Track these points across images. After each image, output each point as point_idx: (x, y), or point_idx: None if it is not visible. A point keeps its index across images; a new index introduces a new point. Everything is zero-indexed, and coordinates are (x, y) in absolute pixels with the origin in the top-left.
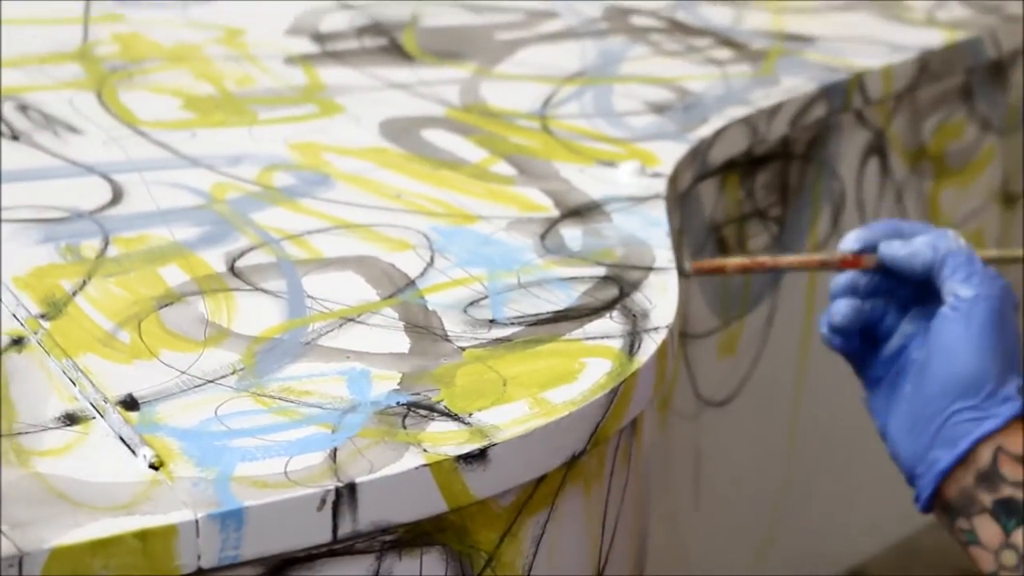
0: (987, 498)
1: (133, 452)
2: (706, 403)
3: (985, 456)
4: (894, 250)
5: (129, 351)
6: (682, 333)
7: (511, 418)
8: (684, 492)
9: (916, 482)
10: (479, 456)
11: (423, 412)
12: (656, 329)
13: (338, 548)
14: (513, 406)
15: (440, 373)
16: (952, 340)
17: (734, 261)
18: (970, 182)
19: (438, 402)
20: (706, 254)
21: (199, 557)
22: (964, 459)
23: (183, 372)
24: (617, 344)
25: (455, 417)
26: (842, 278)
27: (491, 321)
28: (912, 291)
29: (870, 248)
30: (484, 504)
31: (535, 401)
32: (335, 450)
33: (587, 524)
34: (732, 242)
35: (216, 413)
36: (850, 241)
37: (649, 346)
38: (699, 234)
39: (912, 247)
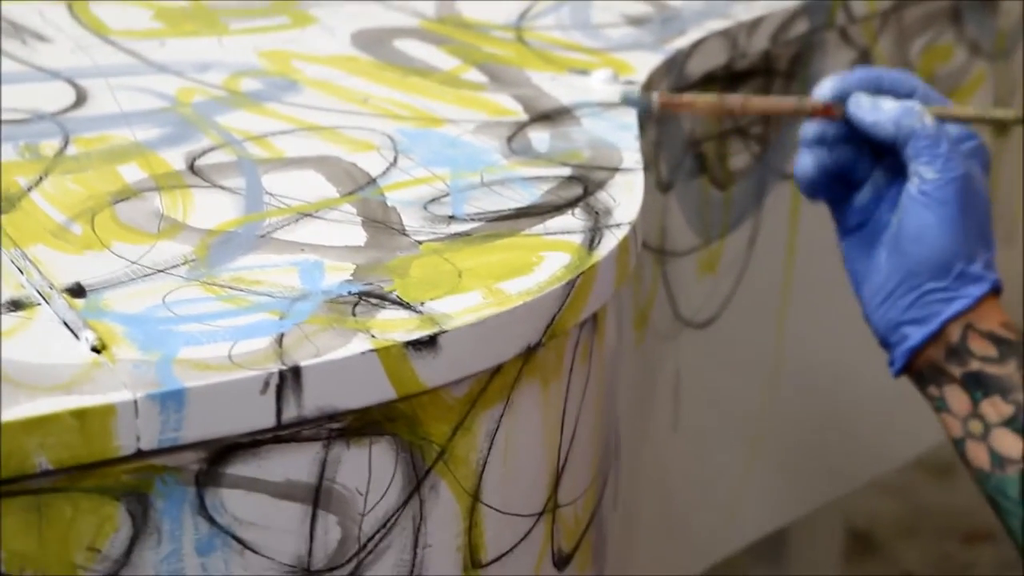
0: (956, 371)
1: (76, 336)
2: (686, 324)
3: (955, 333)
4: (861, 113)
5: (80, 242)
6: (660, 250)
7: (464, 307)
8: (663, 412)
9: (889, 350)
10: (429, 343)
11: (374, 301)
12: (618, 225)
13: (283, 434)
14: (467, 296)
15: (394, 265)
16: (919, 224)
17: (704, 99)
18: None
19: (390, 292)
20: (684, 170)
21: (138, 438)
22: (934, 336)
23: (133, 262)
24: (577, 239)
25: (407, 306)
26: (810, 127)
27: (451, 217)
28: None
29: (843, 98)
30: (436, 395)
31: (490, 291)
32: (282, 335)
33: (544, 422)
34: (712, 159)
35: (164, 300)
36: (824, 89)
37: (610, 241)
38: (677, 149)
39: (877, 115)
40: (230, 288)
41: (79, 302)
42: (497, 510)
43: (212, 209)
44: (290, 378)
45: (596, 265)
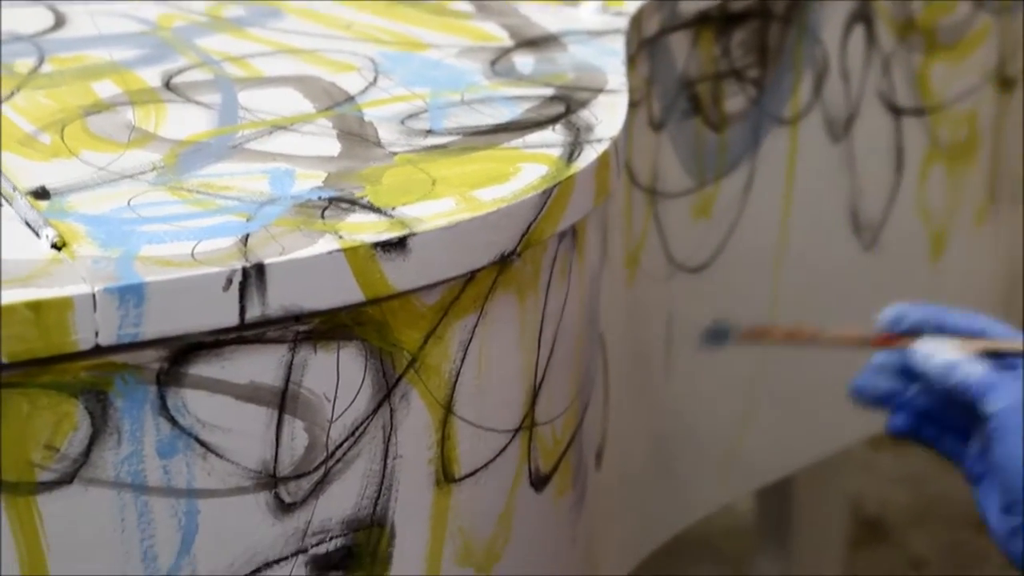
0: None
1: (37, 234)
2: (679, 267)
3: None
4: (913, 361)
5: (49, 151)
6: (652, 190)
7: (435, 212)
8: (656, 355)
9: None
10: (398, 245)
11: (344, 205)
12: (599, 140)
13: (248, 335)
14: (440, 202)
15: (367, 173)
16: (1004, 454)
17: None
18: (962, 59)
19: (361, 197)
20: (678, 110)
21: (97, 333)
22: None
23: (101, 168)
24: (556, 152)
25: (377, 210)
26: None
27: (428, 131)
28: None
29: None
30: (406, 300)
31: (463, 198)
32: (247, 236)
33: (521, 335)
34: (707, 100)
35: (129, 203)
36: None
37: (590, 154)
38: (670, 87)
39: (927, 367)
40: (197, 192)
41: (43, 204)
42: (471, 423)
43: (185, 122)
44: (253, 275)
45: (574, 176)
